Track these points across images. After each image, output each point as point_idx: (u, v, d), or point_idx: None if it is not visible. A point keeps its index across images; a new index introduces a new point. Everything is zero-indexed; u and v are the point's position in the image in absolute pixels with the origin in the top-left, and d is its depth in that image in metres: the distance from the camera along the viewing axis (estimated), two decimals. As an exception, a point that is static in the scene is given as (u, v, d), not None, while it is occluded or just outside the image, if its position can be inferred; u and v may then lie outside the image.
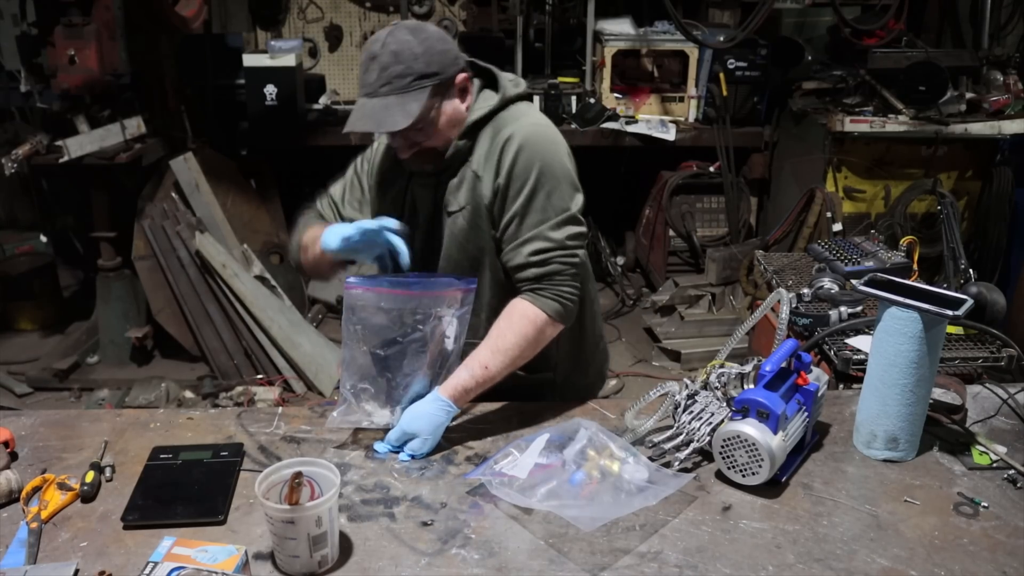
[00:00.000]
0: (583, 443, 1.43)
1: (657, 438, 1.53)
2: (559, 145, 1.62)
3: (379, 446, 1.55)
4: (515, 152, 1.57)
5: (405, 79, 1.50)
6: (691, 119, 4.64)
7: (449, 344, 1.56)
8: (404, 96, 1.51)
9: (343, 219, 1.75)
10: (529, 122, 1.61)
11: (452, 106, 1.58)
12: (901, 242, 2.44)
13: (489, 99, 1.63)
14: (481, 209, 1.62)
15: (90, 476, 1.42)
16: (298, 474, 1.24)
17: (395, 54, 1.50)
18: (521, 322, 1.57)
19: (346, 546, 1.28)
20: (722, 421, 1.48)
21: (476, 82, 1.65)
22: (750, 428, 1.39)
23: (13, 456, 1.50)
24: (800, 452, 1.52)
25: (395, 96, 1.51)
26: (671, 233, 4.69)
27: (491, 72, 1.68)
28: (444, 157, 1.61)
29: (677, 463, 1.47)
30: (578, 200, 1.62)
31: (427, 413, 1.53)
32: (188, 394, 3.78)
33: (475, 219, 1.62)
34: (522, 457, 1.43)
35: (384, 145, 1.75)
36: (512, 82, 1.66)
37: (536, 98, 4.56)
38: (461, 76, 1.58)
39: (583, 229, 1.62)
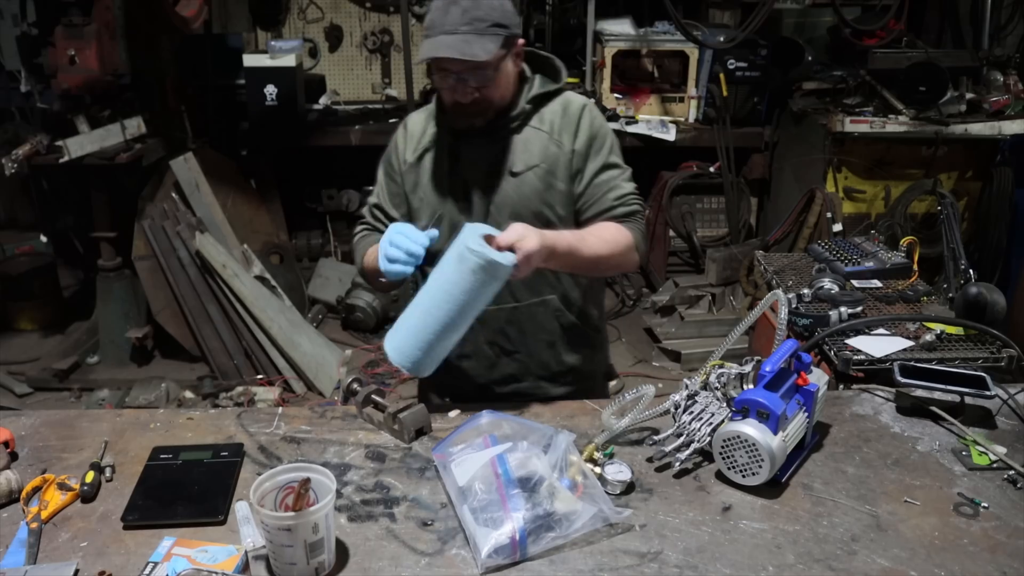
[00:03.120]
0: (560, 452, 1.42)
1: (657, 438, 1.53)
2: None
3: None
4: (592, 119, 1.78)
5: (485, 23, 1.61)
6: (691, 119, 4.64)
7: None
8: (483, 37, 1.61)
9: (392, 220, 1.85)
10: (586, 99, 1.83)
11: (510, 65, 1.70)
12: (901, 242, 2.45)
13: (552, 78, 1.81)
14: (558, 167, 1.75)
15: (90, 476, 1.41)
16: (307, 480, 1.23)
17: (476, 1, 1.61)
18: (613, 235, 1.73)
19: (343, 552, 1.28)
20: (722, 421, 1.48)
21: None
22: (750, 428, 1.39)
23: (13, 456, 1.50)
24: (800, 452, 1.52)
25: (475, 35, 1.60)
26: (671, 233, 4.69)
27: (539, 55, 1.83)
28: (495, 114, 1.71)
29: (678, 463, 1.47)
30: None
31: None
32: (188, 394, 3.78)
33: (549, 177, 1.75)
34: (473, 456, 1.42)
35: (413, 128, 1.84)
36: (559, 68, 1.83)
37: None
38: (521, 40, 1.72)
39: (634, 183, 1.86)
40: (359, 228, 1.96)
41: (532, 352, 1.85)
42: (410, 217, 1.85)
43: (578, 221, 1.79)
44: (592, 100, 1.84)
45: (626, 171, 1.81)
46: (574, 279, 1.84)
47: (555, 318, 1.83)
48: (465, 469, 1.38)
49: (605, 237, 1.72)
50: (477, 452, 1.41)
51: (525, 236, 1.53)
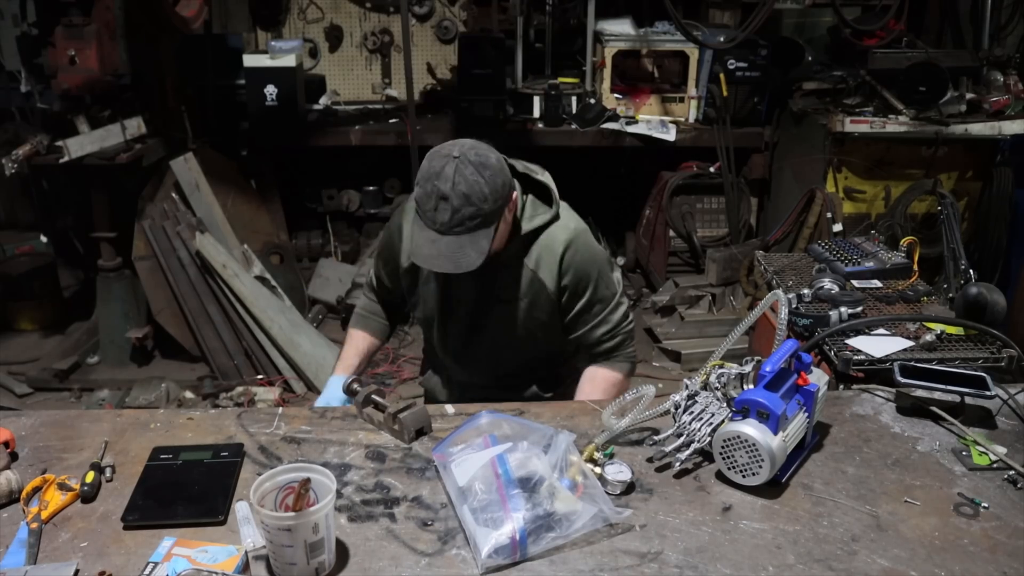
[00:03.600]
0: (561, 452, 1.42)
1: (657, 438, 1.53)
2: (595, 241, 1.90)
3: None
4: (573, 258, 1.81)
5: (476, 220, 1.62)
6: (691, 119, 4.64)
7: None
8: (476, 235, 1.64)
9: (388, 290, 2.02)
10: (574, 228, 1.83)
11: (506, 221, 1.73)
12: (901, 243, 2.45)
13: (539, 210, 1.82)
14: (540, 300, 1.82)
15: (90, 476, 1.41)
16: (307, 480, 1.23)
17: (465, 196, 1.60)
18: (604, 384, 1.90)
19: (343, 552, 1.28)
20: (722, 421, 1.48)
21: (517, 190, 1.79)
22: (750, 429, 1.39)
23: (13, 456, 1.50)
24: (800, 452, 1.52)
25: (467, 236, 1.63)
26: (671, 233, 4.69)
27: (534, 180, 1.84)
28: (491, 257, 1.72)
29: (678, 463, 1.47)
30: (617, 276, 1.97)
31: None
32: (188, 394, 3.78)
33: (531, 308, 1.83)
34: (473, 456, 1.42)
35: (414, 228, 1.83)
36: (551, 188, 1.84)
37: (536, 98, 4.57)
38: (514, 196, 1.74)
39: (627, 301, 1.96)
40: (363, 301, 2.10)
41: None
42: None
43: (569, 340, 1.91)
44: (579, 230, 1.84)
45: (612, 300, 1.88)
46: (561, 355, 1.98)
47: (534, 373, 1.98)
48: (465, 469, 1.38)
49: (596, 389, 1.88)
50: (477, 452, 1.41)
51: None
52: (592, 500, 1.33)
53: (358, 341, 2.06)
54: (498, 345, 1.90)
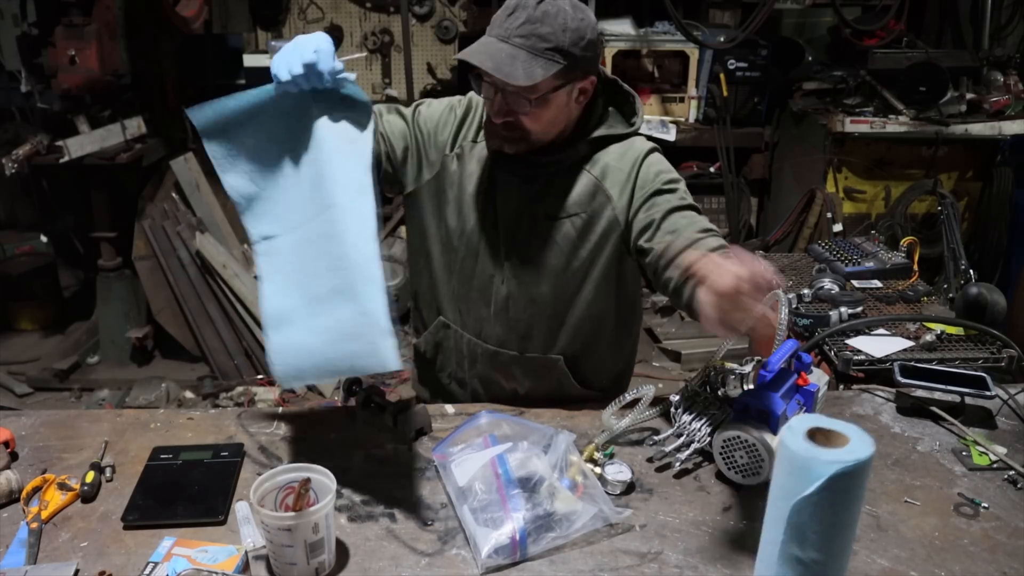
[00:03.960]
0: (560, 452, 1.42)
1: (657, 438, 1.53)
2: None
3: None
4: (655, 166, 1.57)
5: (546, 43, 1.41)
6: (691, 119, 4.64)
7: None
8: (535, 58, 1.40)
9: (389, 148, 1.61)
10: (654, 145, 1.62)
11: (566, 100, 1.49)
12: (901, 243, 2.45)
13: (617, 123, 1.60)
14: (600, 219, 1.56)
15: (90, 476, 1.41)
16: (307, 480, 1.23)
17: (547, 14, 1.41)
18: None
19: (343, 552, 1.28)
20: (722, 421, 1.48)
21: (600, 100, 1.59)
22: (750, 429, 1.39)
23: (13, 456, 1.50)
24: (800, 452, 1.51)
25: (526, 52, 1.40)
26: (671, 233, 4.68)
27: (622, 91, 1.63)
28: (531, 147, 1.52)
29: (678, 464, 1.47)
30: None
31: None
32: (188, 394, 3.78)
33: (587, 229, 1.57)
34: (473, 456, 1.42)
35: (476, 115, 1.63)
36: (636, 106, 1.63)
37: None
38: (590, 79, 1.52)
39: None
40: None
41: (523, 399, 1.73)
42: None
43: (656, 269, 1.52)
44: (658, 147, 1.60)
45: (699, 212, 1.58)
46: (598, 351, 1.69)
47: (558, 379, 1.71)
48: (465, 469, 1.38)
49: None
50: (477, 452, 1.41)
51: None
52: (592, 500, 1.33)
53: None
54: (530, 283, 1.58)
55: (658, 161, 1.59)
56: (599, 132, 1.57)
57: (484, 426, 1.49)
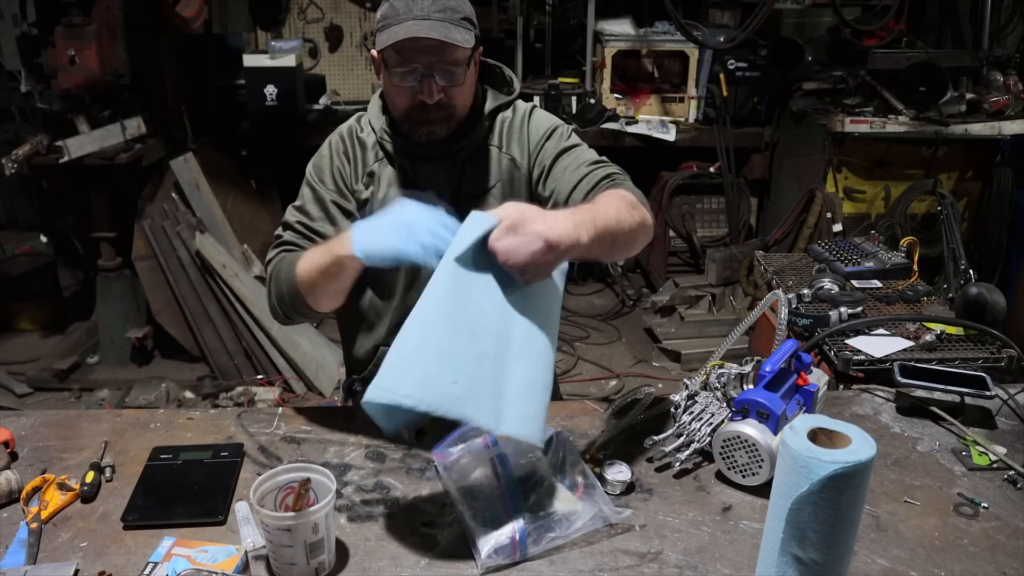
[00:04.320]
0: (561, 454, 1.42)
1: (657, 438, 1.53)
2: None
3: None
4: (538, 121, 1.67)
5: (458, 14, 1.49)
6: (691, 119, 4.64)
7: None
8: (457, 26, 1.48)
9: (324, 239, 1.60)
10: (532, 104, 1.73)
11: (473, 70, 1.57)
12: (901, 243, 2.45)
13: (499, 96, 1.69)
14: (516, 184, 1.65)
15: (90, 476, 1.41)
16: (307, 480, 1.23)
17: None
18: (619, 199, 1.46)
19: (343, 552, 1.28)
20: (722, 422, 1.48)
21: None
22: (750, 429, 1.39)
23: (13, 456, 1.50)
24: (800, 452, 1.51)
25: (449, 23, 1.47)
26: (671, 233, 4.69)
27: (488, 64, 1.72)
28: (455, 126, 1.58)
29: (677, 463, 1.47)
30: None
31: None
32: (188, 394, 3.79)
33: (506, 195, 1.63)
34: (473, 456, 1.41)
35: (362, 144, 1.66)
36: (510, 80, 1.72)
37: (536, 98, 4.57)
38: (480, 49, 1.59)
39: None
40: (276, 252, 1.64)
41: None
42: None
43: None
44: (536, 102, 1.72)
45: (589, 149, 1.65)
46: None
47: None
48: (465, 469, 1.38)
49: (610, 202, 1.43)
50: (477, 452, 1.41)
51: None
52: (592, 500, 1.33)
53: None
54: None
55: (540, 114, 1.70)
56: (492, 104, 1.66)
57: (484, 426, 1.49)
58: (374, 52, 1.57)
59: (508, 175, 1.66)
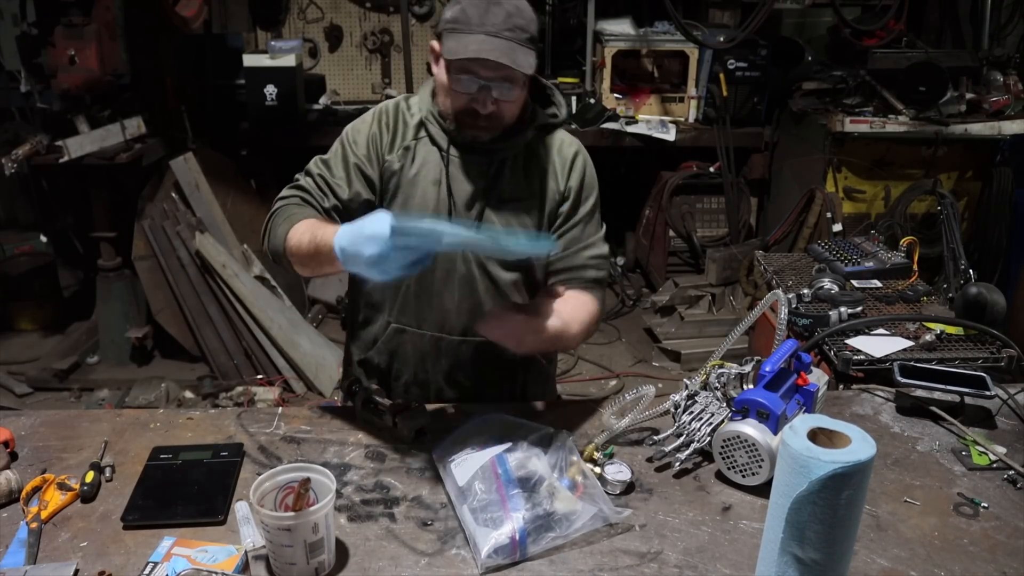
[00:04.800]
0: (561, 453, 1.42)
1: (657, 438, 1.53)
2: None
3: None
4: (584, 166, 1.72)
5: (525, 34, 1.52)
6: (691, 119, 4.64)
7: None
8: (524, 48, 1.51)
9: (340, 201, 1.64)
10: (580, 143, 1.75)
11: (525, 87, 1.59)
12: (901, 243, 2.45)
13: (550, 110, 1.72)
14: (540, 203, 1.68)
15: (90, 476, 1.41)
16: (307, 480, 1.23)
17: (518, 8, 1.52)
18: (584, 310, 1.65)
19: (343, 552, 1.28)
20: (722, 421, 1.48)
21: None
22: (750, 428, 1.39)
23: (13, 456, 1.50)
24: (800, 452, 1.51)
25: (517, 44, 1.50)
26: (671, 233, 4.69)
27: (540, 82, 1.73)
28: (500, 133, 1.62)
29: (677, 463, 1.47)
30: None
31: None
32: (188, 394, 3.78)
33: (528, 210, 1.68)
34: (473, 456, 1.42)
35: (409, 119, 1.68)
36: (556, 100, 1.75)
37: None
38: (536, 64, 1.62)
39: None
40: (289, 194, 1.67)
41: (490, 384, 1.78)
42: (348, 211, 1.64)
43: (544, 267, 1.71)
44: (584, 148, 1.75)
45: (602, 231, 1.76)
46: None
47: (520, 358, 1.73)
48: (465, 469, 1.38)
49: (581, 319, 1.63)
50: (477, 452, 1.41)
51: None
52: (592, 500, 1.33)
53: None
54: (490, 264, 1.68)
55: (588, 164, 1.74)
56: (540, 120, 1.68)
57: (484, 426, 1.49)
58: (434, 44, 1.60)
59: (538, 194, 1.68)
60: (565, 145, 1.72)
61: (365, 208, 1.60)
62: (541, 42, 1.59)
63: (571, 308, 1.63)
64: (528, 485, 1.34)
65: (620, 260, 5.00)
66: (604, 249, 1.74)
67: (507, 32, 1.49)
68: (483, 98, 1.54)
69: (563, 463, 1.38)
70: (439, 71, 1.60)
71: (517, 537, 1.25)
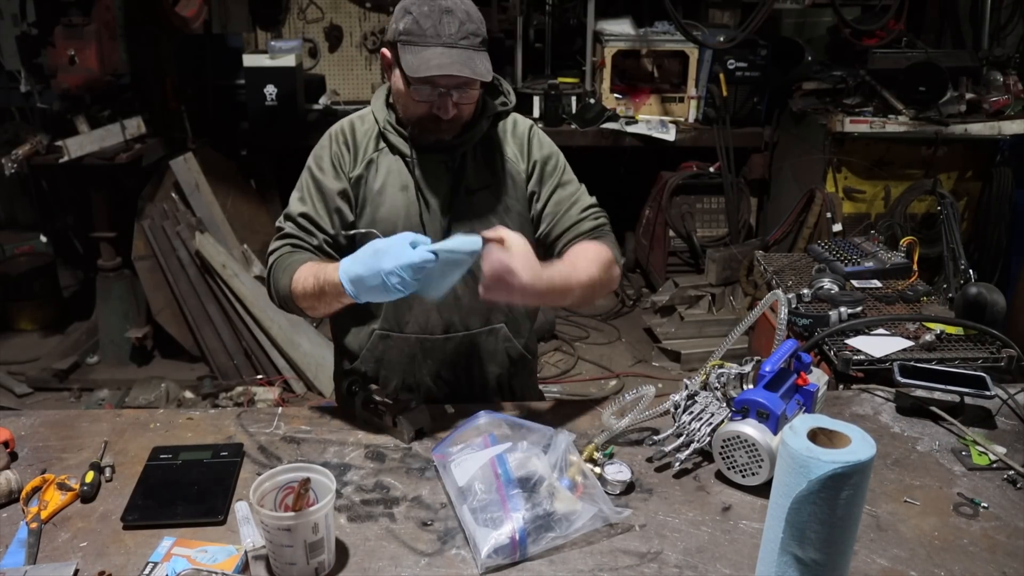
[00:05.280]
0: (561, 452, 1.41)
1: (657, 438, 1.53)
2: None
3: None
4: (539, 138, 1.78)
5: (478, 38, 1.56)
6: (691, 119, 4.64)
7: None
8: (479, 53, 1.56)
9: (324, 234, 1.68)
10: (531, 120, 1.82)
11: (480, 87, 1.64)
12: (901, 243, 2.45)
13: (498, 99, 1.76)
14: (512, 183, 1.73)
15: (90, 476, 1.41)
16: (307, 480, 1.23)
17: (468, 13, 1.56)
18: (597, 257, 1.66)
19: (342, 552, 1.28)
20: (722, 421, 1.48)
21: None
22: (750, 428, 1.39)
23: (13, 456, 1.50)
24: (800, 452, 1.51)
25: (473, 51, 1.55)
26: (671, 233, 4.69)
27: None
28: (462, 131, 1.66)
29: (677, 463, 1.47)
30: None
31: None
32: (188, 394, 3.78)
33: (502, 195, 1.71)
34: (473, 456, 1.42)
35: (359, 137, 1.71)
36: (503, 88, 1.79)
37: (536, 98, 4.57)
38: None
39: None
40: (280, 244, 1.69)
41: (476, 380, 1.80)
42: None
43: (546, 244, 1.74)
44: (539, 123, 1.79)
45: (582, 187, 1.78)
46: (525, 308, 1.82)
47: (504, 348, 1.79)
48: (465, 469, 1.38)
49: (590, 258, 1.64)
50: (477, 452, 1.41)
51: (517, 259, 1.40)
52: (592, 500, 1.33)
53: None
54: None
55: (542, 134, 1.79)
56: (492, 110, 1.73)
57: (484, 426, 1.49)
58: (386, 52, 1.63)
59: (505, 177, 1.72)
60: (518, 126, 1.77)
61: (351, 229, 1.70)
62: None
63: (573, 254, 1.66)
64: (528, 485, 1.34)
65: (620, 260, 5.00)
66: (591, 199, 1.77)
67: (463, 41, 1.54)
68: (445, 104, 1.58)
69: (563, 463, 1.38)
70: (396, 80, 1.62)
71: (517, 537, 1.25)
